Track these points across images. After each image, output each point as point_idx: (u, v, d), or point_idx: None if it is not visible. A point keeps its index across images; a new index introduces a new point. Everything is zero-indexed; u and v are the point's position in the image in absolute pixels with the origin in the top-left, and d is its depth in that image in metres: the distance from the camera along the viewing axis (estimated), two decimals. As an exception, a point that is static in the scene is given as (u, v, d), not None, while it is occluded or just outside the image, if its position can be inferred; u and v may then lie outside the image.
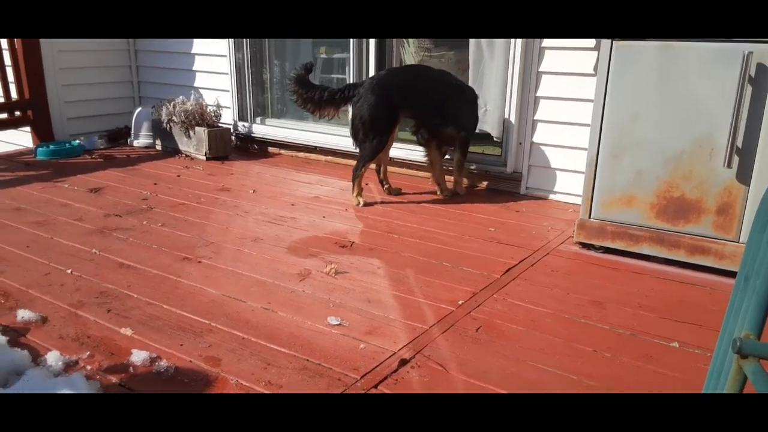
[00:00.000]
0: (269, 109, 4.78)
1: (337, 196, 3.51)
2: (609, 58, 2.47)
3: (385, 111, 3.25)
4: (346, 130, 4.17)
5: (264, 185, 3.72)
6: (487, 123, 3.90)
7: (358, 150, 3.40)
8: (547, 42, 3.32)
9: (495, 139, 3.84)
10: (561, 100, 3.34)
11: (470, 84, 3.61)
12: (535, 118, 3.45)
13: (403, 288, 2.30)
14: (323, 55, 4.76)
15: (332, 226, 3.00)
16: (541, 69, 3.37)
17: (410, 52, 4.25)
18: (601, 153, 2.57)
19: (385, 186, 3.53)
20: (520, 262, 2.58)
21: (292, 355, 1.82)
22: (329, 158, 4.34)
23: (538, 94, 3.41)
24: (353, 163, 4.18)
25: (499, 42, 3.70)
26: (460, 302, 2.18)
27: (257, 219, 3.08)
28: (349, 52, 4.02)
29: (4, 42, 4.28)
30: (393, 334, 1.96)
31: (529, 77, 3.41)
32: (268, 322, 2.02)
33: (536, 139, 3.47)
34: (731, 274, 2.37)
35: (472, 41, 3.82)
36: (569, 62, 3.27)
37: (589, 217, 2.66)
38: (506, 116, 3.53)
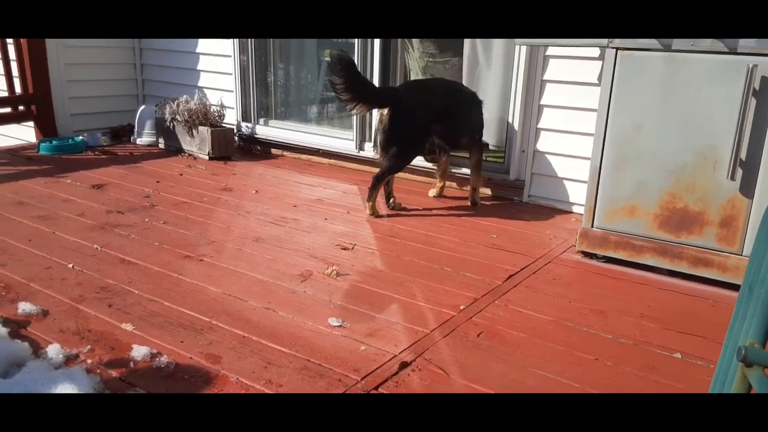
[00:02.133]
0: (273, 111, 4.79)
1: (340, 199, 3.51)
2: (613, 68, 2.48)
3: (424, 125, 3.21)
4: (349, 133, 4.20)
5: (266, 186, 3.73)
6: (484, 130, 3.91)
7: (381, 157, 3.23)
8: (551, 51, 3.33)
9: (491, 147, 3.86)
10: (565, 108, 3.35)
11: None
12: (539, 126, 3.46)
13: (405, 292, 2.30)
14: (327, 59, 4.77)
15: (334, 228, 3.00)
16: (545, 77, 3.38)
17: (415, 57, 4.27)
18: (604, 163, 2.58)
19: (391, 200, 3.39)
20: (522, 269, 2.58)
21: (293, 355, 1.82)
22: (332, 161, 4.35)
23: (542, 103, 3.42)
24: (356, 166, 4.22)
25: (497, 49, 3.72)
26: (461, 307, 2.18)
27: (259, 219, 3.08)
28: (353, 55, 4.03)
29: (11, 36, 4.29)
30: (394, 336, 1.96)
31: (533, 85, 3.42)
32: (269, 322, 2.02)
33: (539, 147, 3.48)
34: (734, 287, 2.37)
35: (466, 48, 3.84)
36: (574, 71, 3.28)
37: (592, 227, 2.66)
38: (510, 122, 3.54)
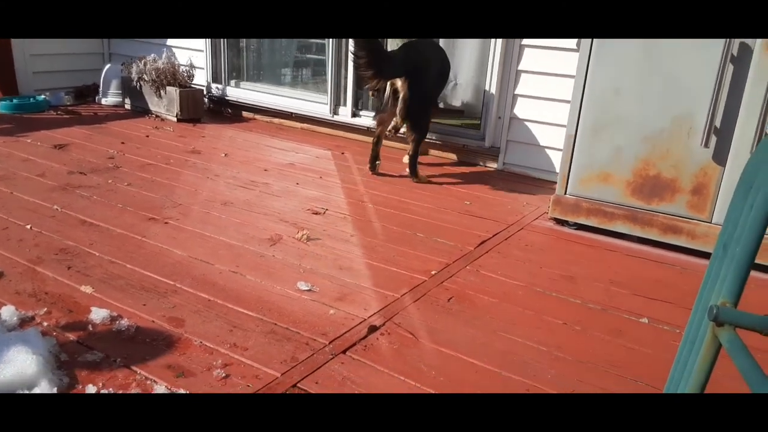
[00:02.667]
0: (244, 72, 4.65)
1: (312, 164, 3.44)
2: (593, 32, 2.43)
3: (438, 85, 3.29)
4: (324, 97, 4.09)
5: (236, 150, 3.63)
6: (456, 98, 3.87)
7: (408, 130, 3.16)
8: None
9: (460, 109, 3.81)
10: (543, 75, 3.31)
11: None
12: (516, 92, 3.41)
13: (376, 257, 2.26)
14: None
15: (306, 193, 2.93)
16: (524, 42, 3.32)
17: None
18: (581, 128, 2.55)
19: (377, 163, 3.30)
20: (494, 235, 2.56)
21: (259, 319, 1.77)
22: (305, 125, 4.25)
23: (519, 68, 3.37)
24: (330, 131, 4.13)
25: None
26: (432, 272, 2.16)
27: (228, 183, 2.99)
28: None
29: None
30: (364, 301, 1.93)
31: (511, 50, 3.36)
32: (236, 285, 1.96)
33: (516, 113, 3.44)
34: (703, 254, 2.39)
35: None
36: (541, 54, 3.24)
37: (565, 193, 2.65)
38: (486, 89, 3.48)
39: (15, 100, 4.13)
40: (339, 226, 2.54)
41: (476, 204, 2.94)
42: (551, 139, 3.33)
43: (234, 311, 1.81)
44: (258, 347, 1.63)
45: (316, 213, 2.67)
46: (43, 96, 4.27)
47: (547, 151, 3.38)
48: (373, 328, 1.76)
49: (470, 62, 3.72)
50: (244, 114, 4.50)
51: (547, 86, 3.29)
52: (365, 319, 1.81)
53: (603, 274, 2.25)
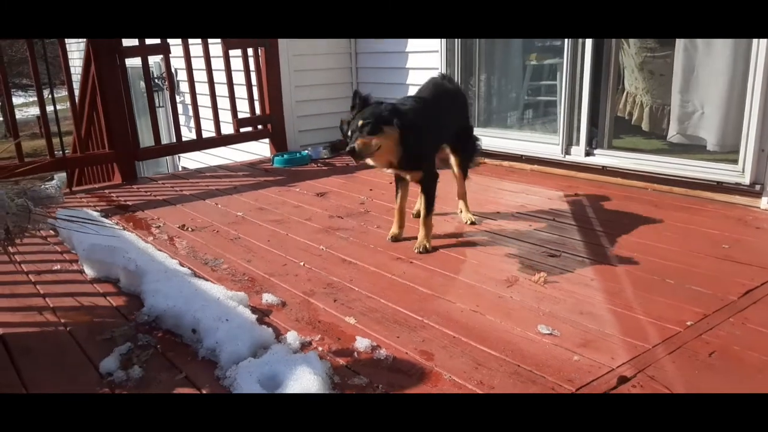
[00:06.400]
0: (476, 119, 4.85)
1: (544, 205, 3.43)
2: None
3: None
4: (554, 137, 4.07)
5: (469, 192, 3.78)
6: (703, 128, 3.51)
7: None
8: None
9: (709, 148, 3.43)
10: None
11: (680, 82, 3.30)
12: (784, 120, 2.99)
13: (620, 303, 2.17)
14: (533, 62, 4.69)
15: (540, 235, 2.94)
16: (793, 64, 2.92)
17: (630, 53, 3.99)
18: None
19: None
20: (762, 284, 2.25)
21: (502, 359, 1.83)
22: (535, 167, 4.26)
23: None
24: (562, 172, 4.07)
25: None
26: (688, 323, 1.99)
27: (461, 224, 3.15)
28: (562, 57, 3.91)
29: (252, 64, 4.98)
30: (609, 349, 1.86)
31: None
32: (477, 324, 2.05)
33: (785, 144, 3.01)
34: None
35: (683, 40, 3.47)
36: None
37: None
38: (744, 119, 3.12)
39: (285, 156, 4.91)
40: (577, 269, 2.49)
41: (736, 248, 2.63)
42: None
43: (478, 349, 1.89)
44: (504, 387, 1.68)
45: (552, 255, 2.66)
46: (306, 151, 5.00)
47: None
48: (623, 379, 1.68)
49: (719, 90, 3.38)
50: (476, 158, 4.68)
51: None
52: (613, 369, 1.74)
53: None
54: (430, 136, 2.86)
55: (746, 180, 3.16)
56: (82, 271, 2.63)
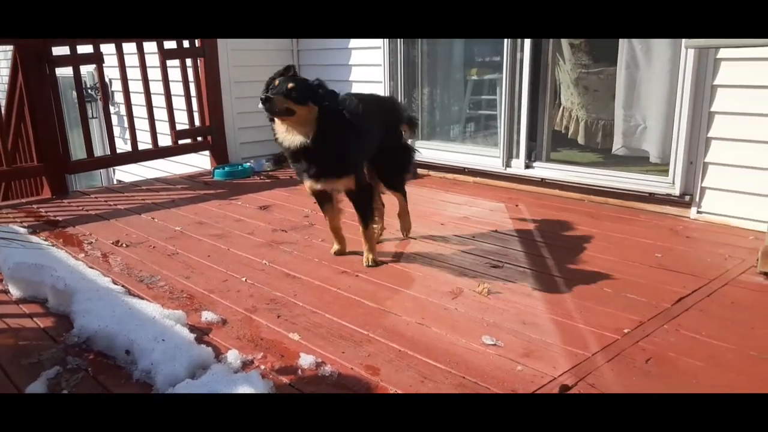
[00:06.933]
0: (419, 132, 4.89)
1: (487, 217, 3.48)
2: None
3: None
4: (495, 150, 4.16)
5: (413, 205, 3.79)
6: (646, 140, 3.67)
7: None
8: (723, 53, 3.04)
9: (652, 160, 3.59)
10: (740, 115, 3.04)
11: (623, 98, 3.43)
12: (709, 135, 3.16)
13: (560, 311, 2.21)
14: (474, 77, 4.79)
15: (483, 246, 2.97)
16: (716, 82, 3.09)
17: (566, 69, 4.14)
18: (794, 172, 2.28)
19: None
20: (693, 291, 2.36)
21: (448, 371, 1.83)
22: (477, 179, 4.34)
23: (712, 110, 3.13)
24: (503, 184, 4.16)
25: (659, 53, 3.49)
26: (625, 330, 2.05)
27: (408, 237, 3.15)
28: (501, 72, 4.01)
29: (191, 74, 4.85)
30: (551, 358, 1.89)
31: (702, 91, 3.14)
32: (423, 337, 2.05)
33: (710, 158, 3.18)
34: None
35: (623, 55, 3.63)
36: (748, 74, 2.97)
37: (778, 245, 2.37)
38: (674, 133, 3.28)
39: (226, 168, 4.80)
40: (519, 279, 2.53)
41: (669, 257, 2.74)
42: (754, 184, 3.00)
43: (423, 362, 1.88)
44: (449, 400, 1.67)
45: (495, 266, 2.69)
46: (248, 163, 4.91)
47: (751, 197, 3.05)
48: (565, 388, 1.71)
49: (657, 105, 3.54)
50: (419, 171, 4.72)
51: (746, 127, 3.01)
52: (555, 378, 1.77)
53: (836, 338, 1.95)
54: (361, 142, 2.70)
55: (676, 191, 3.31)
56: (6, 291, 2.47)
